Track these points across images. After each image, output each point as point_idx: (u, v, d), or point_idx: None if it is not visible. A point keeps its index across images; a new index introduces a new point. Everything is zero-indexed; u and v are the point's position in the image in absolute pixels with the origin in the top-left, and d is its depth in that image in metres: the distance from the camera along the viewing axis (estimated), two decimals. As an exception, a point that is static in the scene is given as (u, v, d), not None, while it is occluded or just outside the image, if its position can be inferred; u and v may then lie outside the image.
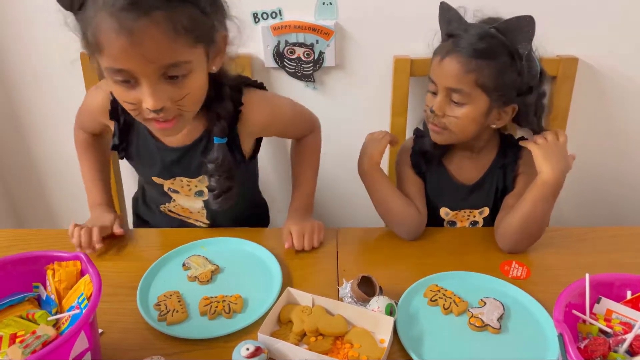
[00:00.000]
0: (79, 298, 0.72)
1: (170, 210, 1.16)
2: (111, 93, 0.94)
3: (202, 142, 1.00)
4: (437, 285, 0.91)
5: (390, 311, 0.82)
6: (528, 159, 1.00)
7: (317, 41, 1.28)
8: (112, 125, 1.02)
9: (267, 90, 1.07)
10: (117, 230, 1.04)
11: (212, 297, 0.89)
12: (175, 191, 1.09)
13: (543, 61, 1.26)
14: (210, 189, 0.99)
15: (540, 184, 0.93)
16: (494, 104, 0.95)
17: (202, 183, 1.06)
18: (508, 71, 0.93)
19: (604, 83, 1.30)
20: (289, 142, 1.44)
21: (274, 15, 1.27)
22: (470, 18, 0.99)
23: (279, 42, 1.29)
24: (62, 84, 1.39)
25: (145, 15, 0.70)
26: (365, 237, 1.09)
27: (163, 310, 0.86)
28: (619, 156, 1.41)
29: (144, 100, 0.77)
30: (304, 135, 1.15)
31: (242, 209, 1.15)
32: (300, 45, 1.28)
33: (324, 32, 1.27)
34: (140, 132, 1.02)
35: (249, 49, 1.30)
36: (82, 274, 0.75)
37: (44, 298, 0.76)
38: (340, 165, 1.44)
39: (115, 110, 0.99)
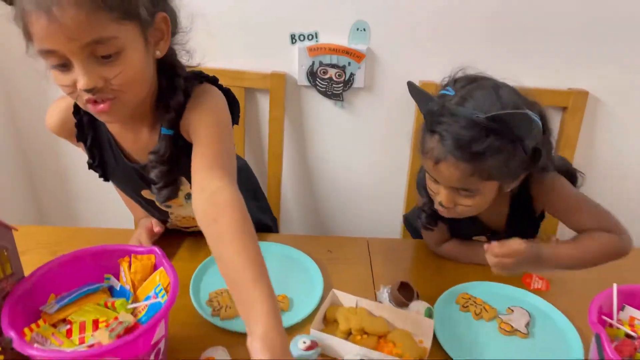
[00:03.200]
0: (155, 288, 0.78)
1: (177, 226, 1.13)
2: (74, 107, 0.93)
3: None
4: (467, 294, 0.99)
5: (429, 315, 0.90)
6: (539, 192, 0.99)
7: (349, 63, 1.37)
8: (81, 146, 1.00)
9: (221, 88, 0.94)
10: (155, 228, 1.07)
11: (260, 296, 0.95)
12: (167, 205, 1.03)
13: (554, 93, 1.39)
14: (153, 182, 0.91)
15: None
16: (507, 182, 0.91)
17: (185, 185, 0.97)
18: (514, 156, 0.85)
19: (611, 116, 1.42)
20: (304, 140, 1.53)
21: (310, 37, 1.36)
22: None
23: (313, 63, 1.37)
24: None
25: None
26: (393, 247, 1.17)
27: (216, 306, 0.92)
28: (621, 183, 1.52)
29: (78, 81, 0.74)
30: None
31: None
32: (334, 66, 1.37)
33: (357, 55, 1.36)
34: (113, 148, 0.96)
35: (284, 67, 1.39)
36: (155, 267, 0.82)
37: (117, 288, 0.82)
38: (361, 181, 1.53)
39: (81, 129, 0.96)
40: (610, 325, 0.78)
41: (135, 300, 0.79)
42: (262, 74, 1.39)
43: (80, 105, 0.81)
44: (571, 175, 1.02)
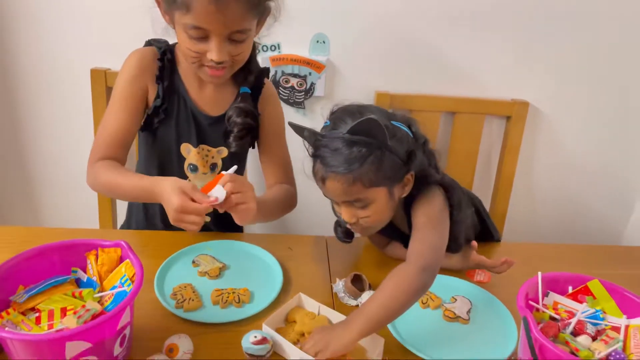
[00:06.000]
0: (121, 279, 0.83)
1: None
2: (161, 52, 1.12)
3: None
4: (415, 285, 1.07)
5: (379, 303, 0.97)
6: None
7: (310, 73, 1.45)
8: (152, 89, 1.13)
9: None
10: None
11: (222, 290, 1.01)
12: (194, 169, 1.19)
13: (498, 104, 1.50)
14: (232, 131, 1.14)
15: None
16: (392, 186, 0.96)
17: (219, 154, 1.20)
18: (385, 160, 0.92)
19: (550, 124, 1.54)
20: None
21: (273, 48, 1.44)
22: None
23: (276, 72, 1.45)
24: (69, 97, 1.50)
25: None
26: (350, 245, 1.23)
27: (180, 299, 0.97)
28: (562, 187, 1.65)
29: (209, 52, 0.98)
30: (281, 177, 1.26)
31: None
32: (295, 75, 1.45)
33: (317, 66, 1.44)
34: (181, 96, 1.15)
35: (248, 76, 1.46)
36: (121, 259, 0.87)
37: (84, 280, 0.86)
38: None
39: (162, 72, 1.12)
40: (537, 310, 0.86)
41: (102, 290, 0.84)
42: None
43: (195, 67, 1.04)
44: (451, 195, 1.01)
